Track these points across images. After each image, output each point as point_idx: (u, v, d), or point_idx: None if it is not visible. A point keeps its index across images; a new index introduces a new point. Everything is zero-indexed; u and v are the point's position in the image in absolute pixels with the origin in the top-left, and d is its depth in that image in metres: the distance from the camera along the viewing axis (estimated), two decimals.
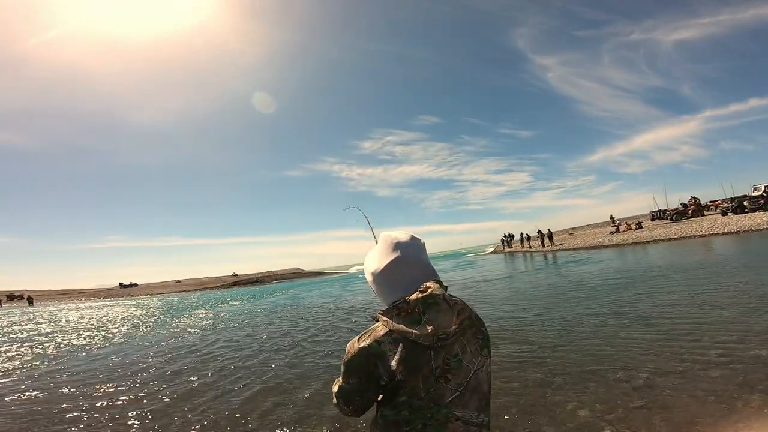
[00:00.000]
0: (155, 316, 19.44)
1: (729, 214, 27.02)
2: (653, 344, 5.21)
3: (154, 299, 40.15)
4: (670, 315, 6.61)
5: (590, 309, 7.99)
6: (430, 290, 1.06)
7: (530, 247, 36.86)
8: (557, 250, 31.30)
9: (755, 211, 25.18)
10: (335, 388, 1.16)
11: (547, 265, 20.69)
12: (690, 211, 32.22)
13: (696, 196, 32.97)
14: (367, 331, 1.09)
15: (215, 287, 56.38)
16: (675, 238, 23.49)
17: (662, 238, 24.43)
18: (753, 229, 20.61)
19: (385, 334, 1.04)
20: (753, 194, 27.06)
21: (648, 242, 24.38)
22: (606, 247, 26.67)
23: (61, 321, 20.45)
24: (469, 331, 1.08)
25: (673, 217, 32.68)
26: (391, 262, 1.14)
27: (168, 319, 16.85)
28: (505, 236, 44.37)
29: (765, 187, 26.13)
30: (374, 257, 1.19)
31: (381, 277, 1.15)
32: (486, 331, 1.14)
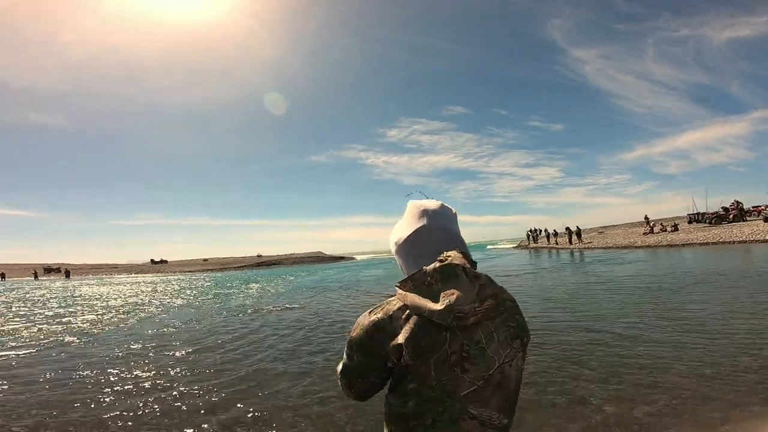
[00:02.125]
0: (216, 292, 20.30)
1: None
2: (684, 348, 5.07)
3: (186, 276, 41.80)
4: (702, 319, 6.40)
5: (619, 308, 7.82)
6: (449, 260, 0.90)
7: (557, 243, 36.02)
8: (585, 248, 30.48)
9: None
10: (339, 367, 1.02)
11: (573, 263, 20.22)
12: (731, 216, 30.60)
13: (739, 200, 31.24)
14: (381, 305, 0.93)
15: (241, 267, 58.19)
16: (712, 243, 22.42)
17: (698, 242, 23.38)
18: None
19: (399, 308, 0.88)
20: None
21: (683, 245, 23.40)
22: (638, 247, 25.77)
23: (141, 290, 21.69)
24: (500, 316, 0.89)
25: (713, 221, 31.13)
26: (416, 231, 0.99)
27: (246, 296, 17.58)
28: (531, 231, 43.43)
29: None
30: (399, 226, 1.05)
31: (404, 247, 1.01)
32: (522, 320, 0.94)
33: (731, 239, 22.14)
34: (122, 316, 11.57)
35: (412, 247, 0.99)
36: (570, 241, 33.59)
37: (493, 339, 0.87)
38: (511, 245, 56.34)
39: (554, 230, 38.54)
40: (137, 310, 12.79)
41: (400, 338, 0.84)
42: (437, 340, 0.84)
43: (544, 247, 36.82)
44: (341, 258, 70.48)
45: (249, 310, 11.44)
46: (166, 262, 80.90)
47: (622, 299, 8.89)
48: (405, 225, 1.02)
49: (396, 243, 1.03)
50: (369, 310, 0.93)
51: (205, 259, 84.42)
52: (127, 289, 23.14)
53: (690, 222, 34.62)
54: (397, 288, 0.91)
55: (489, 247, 65.71)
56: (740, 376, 4.06)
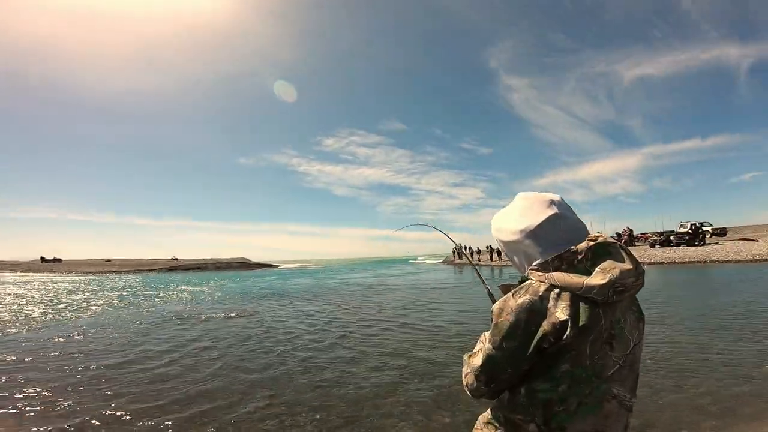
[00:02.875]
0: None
1: (656, 246, 29.77)
2: None
3: (88, 278, 36.87)
4: None
5: None
6: (601, 238, 0.91)
7: (479, 260, 38.26)
8: (505, 265, 32.74)
9: (679, 246, 27.95)
10: (476, 362, 0.95)
11: (492, 278, 21.61)
12: (623, 241, 35.06)
13: (630, 227, 36.00)
14: (521, 288, 0.90)
15: (151, 270, 52.89)
16: None
17: None
18: (676, 261, 22.85)
19: (547, 289, 0.86)
20: (679, 230, 30.00)
21: None
22: None
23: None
24: (628, 297, 0.90)
25: None
26: (549, 217, 0.94)
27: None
28: (456, 248, 45.54)
29: (690, 224, 29.08)
30: (522, 213, 0.99)
31: (536, 232, 0.94)
32: (639, 305, 0.97)
33: None
34: (15, 320, 9.81)
35: (547, 232, 0.94)
36: (491, 258, 35.86)
37: (627, 319, 0.90)
38: (432, 261, 58.94)
39: (477, 248, 41.04)
40: (32, 315, 10.94)
41: (561, 315, 0.83)
42: (595, 316, 0.84)
43: (468, 264, 38.79)
44: (268, 265, 67.45)
45: (182, 318, 10.38)
46: (59, 261, 70.91)
47: None
48: (531, 212, 0.97)
49: (523, 230, 0.97)
50: (508, 295, 0.90)
51: (108, 260, 75.31)
52: (17, 291, 19.73)
53: None
54: (533, 272, 0.91)
55: (411, 261, 68.09)
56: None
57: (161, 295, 17.85)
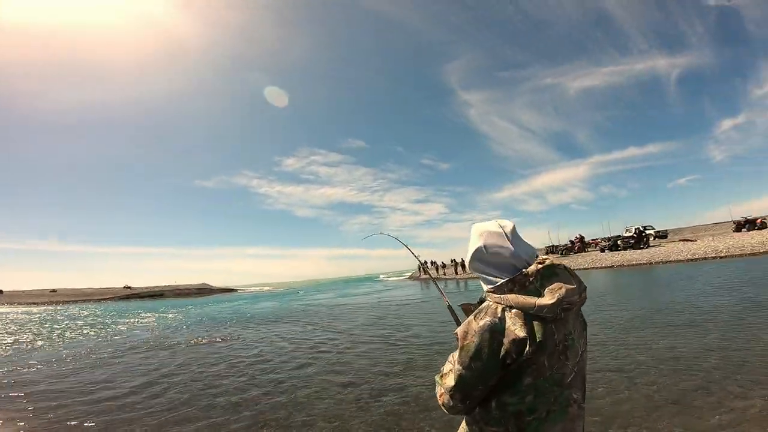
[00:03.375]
0: None
1: (606, 251, 31.58)
2: None
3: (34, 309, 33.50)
4: None
5: None
6: (548, 261, 1.02)
7: (444, 274, 38.81)
8: (470, 277, 33.40)
9: (626, 249, 29.81)
10: (449, 382, 1.02)
11: (458, 291, 21.98)
12: (576, 248, 36.96)
13: (582, 235, 38.04)
14: (480, 311, 1.00)
15: (103, 299, 49.05)
16: None
17: None
18: (624, 264, 24.32)
19: (503, 310, 0.96)
20: (625, 234, 32.03)
21: None
22: None
23: None
24: (574, 312, 1.01)
25: (563, 252, 37.13)
26: (498, 247, 1.05)
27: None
28: (421, 263, 45.97)
29: (635, 228, 31.15)
30: (474, 244, 1.11)
31: (489, 260, 1.06)
32: (582, 314, 1.09)
33: (577, 267, 26.61)
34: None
35: (498, 259, 1.04)
36: (456, 272, 36.48)
37: (576, 329, 1.01)
38: (397, 278, 59.39)
39: (442, 262, 41.66)
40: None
41: (519, 333, 0.92)
42: (549, 332, 0.93)
43: (434, 278, 39.27)
44: (230, 290, 64.69)
45: (149, 346, 9.66)
46: (0, 292, 64.63)
47: None
48: (483, 243, 1.08)
49: (478, 259, 1.09)
50: (469, 318, 1.00)
51: (53, 290, 69.17)
52: None
53: (547, 253, 40.45)
54: (490, 294, 1.01)
55: (376, 279, 68.27)
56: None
57: (129, 321, 16.58)
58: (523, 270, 1.00)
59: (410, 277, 50.88)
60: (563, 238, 43.96)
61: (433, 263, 45.32)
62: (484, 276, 1.09)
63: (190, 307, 28.76)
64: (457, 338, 1.00)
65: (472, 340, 0.96)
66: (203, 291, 60.22)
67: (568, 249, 37.23)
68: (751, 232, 27.94)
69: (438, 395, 1.07)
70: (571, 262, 29.35)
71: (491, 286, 1.04)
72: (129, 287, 69.48)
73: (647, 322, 7.74)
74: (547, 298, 0.93)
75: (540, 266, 1.00)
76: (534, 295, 0.95)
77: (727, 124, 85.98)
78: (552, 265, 1.01)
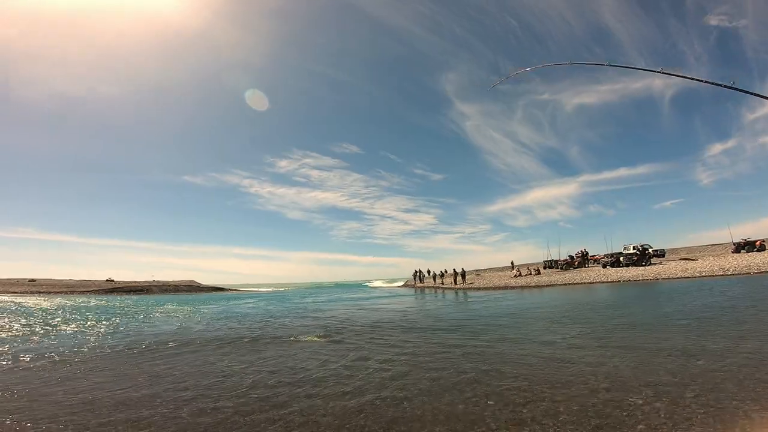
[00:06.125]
0: None
1: (608, 267, 31.55)
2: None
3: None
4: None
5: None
6: None
7: (443, 283, 38.35)
8: (468, 288, 32.99)
9: (629, 266, 29.79)
10: None
11: (461, 301, 21.55)
12: (576, 262, 36.92)
13: (586, 249, 38.04)
14: None
15: (86, 291, 47.34)
16: (570, 284, 26.44)
17: (559, 283, 27.34)
18: (630, 280, 24.20)
19: None
20: (625, 252, 32.05)
21: (548, 285, 27.03)
22: (512, 288, 28.88)
23: None
24: None
25: (563, 267, 37.06)
26: None
27: None
28: (417, 272, 45.69)
29: (638, 246, 31.18)
30: None
31: None
32: None
33: (582, 281, 26.45)
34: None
35: None
36: (455, 282, 36.06)
37: None
38: (389, 285, 59.10)
39: (441, 271, 41.22)
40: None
41: None
42: None
43: (430, 287, 38.82)
44: (219, 289, 62.85)
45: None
46: None
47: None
48: None
49: None
50: None
51: (32, 279, 66.53)
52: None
53: (545, 267, 40.61)
54: None
55: (365, 285, 67.81)
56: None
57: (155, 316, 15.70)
58: None
59: (405, 285, 50.35)
60: (561, 253, 43.94)
61: (421, 272, 45.14)
62: None
63: (200, 304, 27.71)
64: None
65: None
66: (192, 288, 58.58)
67: (569, 264, 37.16)
68: (750, 253, 28.19)
69: None
70: (577, 276, 29.20)
71: None
72: (112, 280, 67.36)
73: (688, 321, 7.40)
74: None
75: None
76: None
77: (716, 148, 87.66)
78: None
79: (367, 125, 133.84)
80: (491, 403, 4.50)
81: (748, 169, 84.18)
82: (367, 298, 28.60)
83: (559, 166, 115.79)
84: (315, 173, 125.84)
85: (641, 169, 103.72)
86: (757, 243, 29.54)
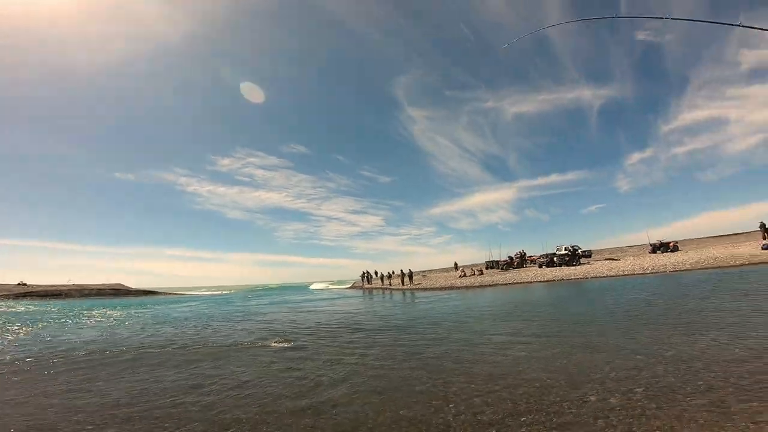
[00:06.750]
0: None
1: (543, 267, 33.56)
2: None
3: None
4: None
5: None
6: None
7: (390, 284, 38.50)
8: (415, 288, 33.40)
9: (561, 266, 31.89)
10: None
11: (409, 302, 21.72)
12: (515, 263, 38.88)
13: (524, 251, 40.13)
14: None
15: None
16: (510, 283, 27.71)
17: (501, 282, 28.56)
18: (563, 279, 25.88)
19: None
20: (558, 253, 34.30)
21: (491, 285, 28.11)
22: (458, 288, 29.69)
23: None
24: None
25: (503, 267, 38.85)
26: None
27: None
28: (364, 273, 45.50)
29: (569, 247, 33.50)
30: None
31: None
32: None
33: (522, 280, 27.84)
34: None
35: None
36: (402, 283, 36.35)
37: None
38: (335, 287, 58.57)
39: (389, 272, 41.34)
40: None
41: None
42: None
43: (378, 288, 38.81)
44: (153, 292, 57.94)
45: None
46: None
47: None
48: None
49: None
50: None
51: None
52: None
53: (488, 267, 42.35)
54: None
55: (310, 287, 66.38)
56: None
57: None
58: None
59: (352, 287, 49.95)
60: (501, 254, 46.15)
61: (368, 273, 45.20)
62: None
63: (153, 307, 25.05)
64: None
65: None
66: (118, 292, 53.52)
67: (509, 264, 39.02)
68: (665, 253, 31.47)
69: None
70: (517, 275, 30.68)
71: None
72: (25, 284, 59.76)
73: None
74: None
75: None
76: None
77: (635, 157, 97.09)
78: None
79: (317, 126, 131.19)
80: (451, 406, 4.37)
81: (662, 177, 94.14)
82: (314, 300, 27.88)
83: (499, 171, 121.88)
84: (260, 173, 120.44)
85: (570, 176, 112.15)
86: (671, 244, 33.07)
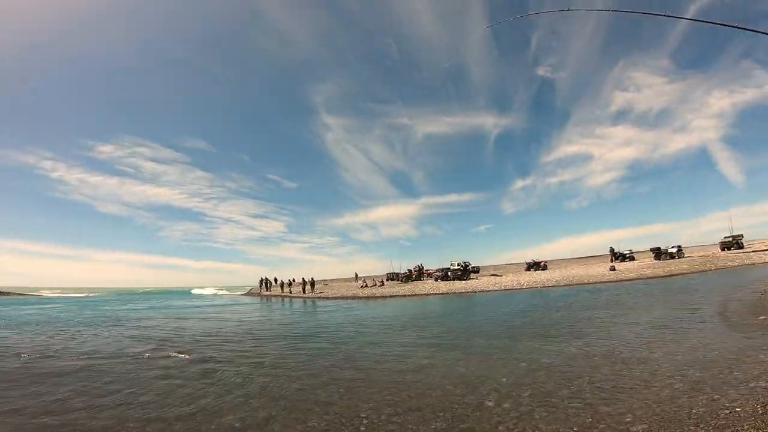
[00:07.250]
0: None
1: (439, 280, 35.94)
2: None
3: None
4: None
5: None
6: None
7: (291, 292, 37.29)
8: (317, 297, 32.90)
9: (454, 280, 34.52)
10: None
11: (310, 311, 21.39)
12: (414, 275, 40.90)
13: (422, 264, 42.37)
14: None
15: None
16: (409, 295, 29.04)
17: (400, 294, 29.76)
18: (456, 292, 28.02)
19: None
20: (454, 267, 37.12)
21: (391, 296, 29.09)
22: (360, 298, 30.08)
23: None
24: None
25: (403, 279, 40.57)
26: None
27: None
28: (263, 279, 43.38)
29: (461, 263, 36.49)
30: None
31: None
32: None
33: (419, 293, 29.39)
34: None
35: None
36: (304, 291, 35.50)
37: None
38: (224, 292, 55.02)
39: (289, 280, 40.00)
40: None
41: None
42: None
43: (278, 295, 37.30)
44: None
45: None
46: None
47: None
48: None
49: None
50: None
51: None
52: None
53: (388, 279, 43.77)
54: None
55: (193, 292, 60.87)
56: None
57: None
58: None
59: (248, 293, 47.12)
60: (402, 266, 48.17)
61: (267, 280, 43.37)
62: None
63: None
64: None
65: None
66: None
67: (408, 276, 40.85)
68: (537, 271, 36.28)
69: None
70: (415, 288, 32.24)
71: None
72: None
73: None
74: None
75: None
76: None
77: (519, 183, 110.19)
78: None
79: (222, 122, 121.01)
80: (359, 417, 4.40)
81: (537, 203, 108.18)
82: (201, 306, 25.58)
83: (404, 187, 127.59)
84: (149, 165, 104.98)
85: (466, 197, 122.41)
86: (542, 264, 38.28)
